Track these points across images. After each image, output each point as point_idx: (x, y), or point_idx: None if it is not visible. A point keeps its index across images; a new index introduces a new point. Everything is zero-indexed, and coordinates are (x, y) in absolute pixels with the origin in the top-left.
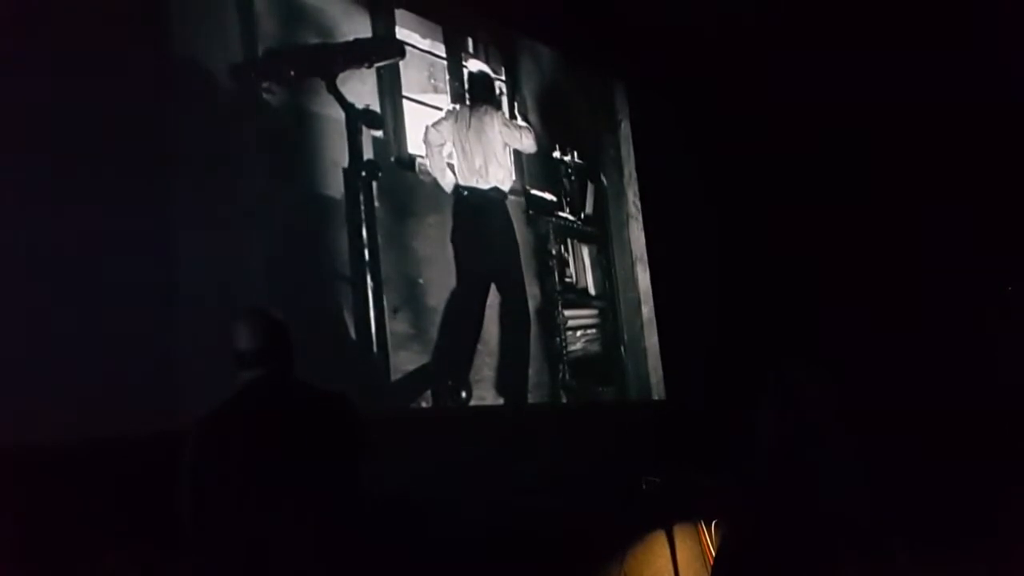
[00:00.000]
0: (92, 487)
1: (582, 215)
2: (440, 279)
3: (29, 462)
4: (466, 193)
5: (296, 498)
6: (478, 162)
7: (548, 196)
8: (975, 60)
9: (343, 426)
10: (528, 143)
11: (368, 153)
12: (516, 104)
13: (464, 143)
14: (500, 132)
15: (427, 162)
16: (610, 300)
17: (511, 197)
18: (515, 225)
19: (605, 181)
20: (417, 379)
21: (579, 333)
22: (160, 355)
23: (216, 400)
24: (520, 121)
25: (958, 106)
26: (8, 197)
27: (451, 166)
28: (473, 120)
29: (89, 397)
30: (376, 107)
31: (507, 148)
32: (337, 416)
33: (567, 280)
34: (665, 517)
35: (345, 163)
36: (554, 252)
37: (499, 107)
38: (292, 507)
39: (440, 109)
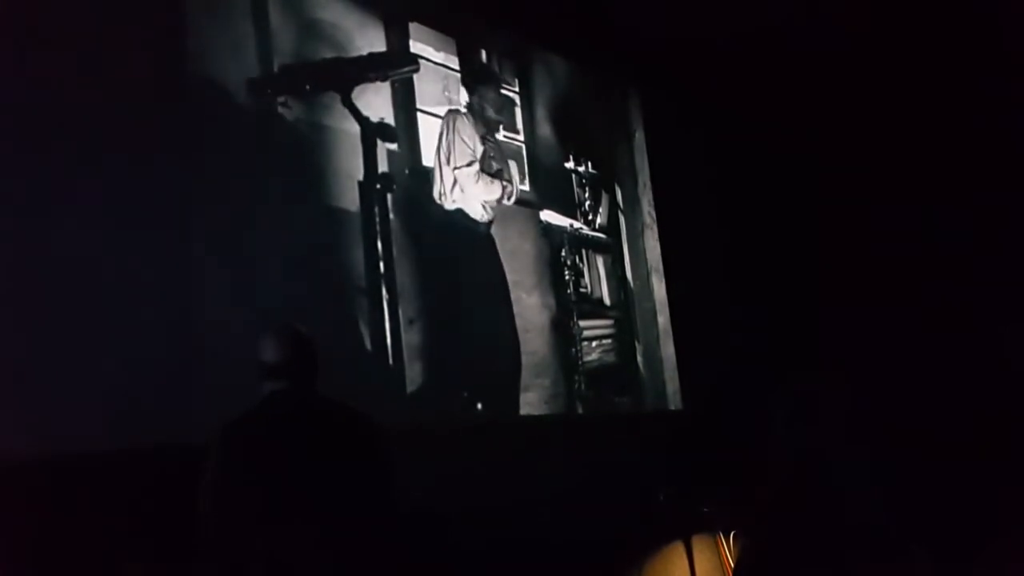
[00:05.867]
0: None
1: (597, 225)
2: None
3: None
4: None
5: (316, 509)
6: None
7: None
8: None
9: (365, 440)
10: None
11: (383, 166)
12: (529, 114)
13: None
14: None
15: None
16: (625, 310)
17: (524, 208)
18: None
19: (620, 191)
20: (432, 390)
21: (595, 343)
22: (177, 367)
23: (234, 412)
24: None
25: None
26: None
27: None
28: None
29: (107, 409)
30: (391, 120)
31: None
32: (359, 431)
33: (582, 290)
34: (683, 528)
35: (360, 176)
36: (569, 262)
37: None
38: (312, 518)
39: None
